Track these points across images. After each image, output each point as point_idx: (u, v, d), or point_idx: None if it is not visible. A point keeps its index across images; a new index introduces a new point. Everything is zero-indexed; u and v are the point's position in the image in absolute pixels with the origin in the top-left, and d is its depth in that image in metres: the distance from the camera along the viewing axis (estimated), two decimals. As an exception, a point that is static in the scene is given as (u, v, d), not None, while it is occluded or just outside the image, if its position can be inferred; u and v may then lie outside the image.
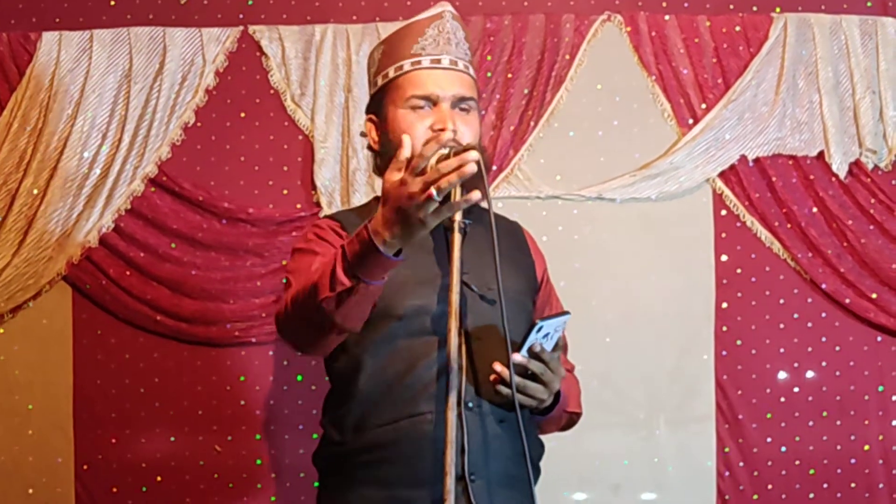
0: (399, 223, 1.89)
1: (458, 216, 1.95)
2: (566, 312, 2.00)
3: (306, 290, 2.01)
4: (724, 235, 2.94)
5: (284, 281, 2.13)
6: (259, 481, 2.99)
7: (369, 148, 2.18)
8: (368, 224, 1.92)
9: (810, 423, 2.89)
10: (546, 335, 1.95)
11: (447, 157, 1.80)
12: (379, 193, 2.12)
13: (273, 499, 2.97)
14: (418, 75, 2.09)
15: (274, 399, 2.99)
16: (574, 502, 2.89)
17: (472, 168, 1.84)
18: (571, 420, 2.29)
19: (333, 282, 1.97)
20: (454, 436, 1.89)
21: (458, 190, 1.88)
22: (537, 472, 2.26)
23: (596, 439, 2.82)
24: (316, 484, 2.10)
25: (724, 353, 2.90)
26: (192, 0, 2.90)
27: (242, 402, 2.94)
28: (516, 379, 1.94)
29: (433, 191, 1.78)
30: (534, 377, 1.94)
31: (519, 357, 1.94)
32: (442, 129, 2.03)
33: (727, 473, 2.90)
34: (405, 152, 1.88)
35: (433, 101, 2.05)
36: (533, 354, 1.93)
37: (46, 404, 2.95)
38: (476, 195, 1.86)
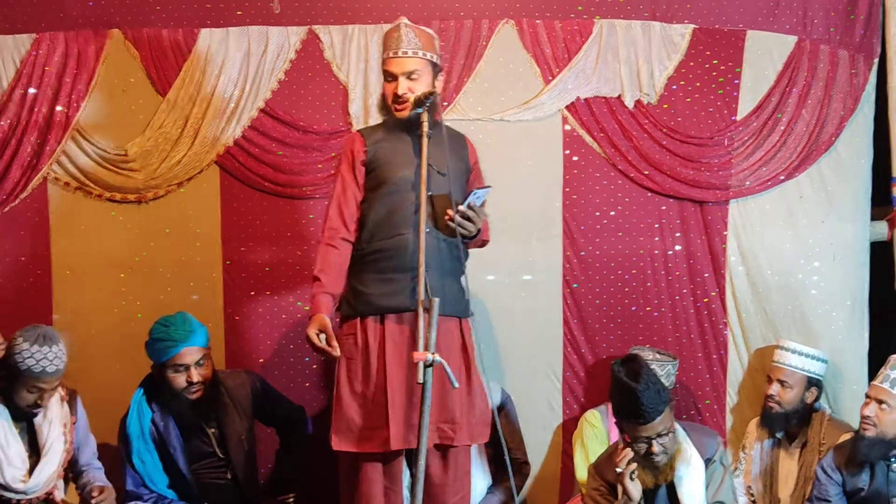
0: None
1: (425, 128, 2.93)
2: (489, 186, 3.05)
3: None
4: (567, 140, 4.13)
5: (328, 203, 3.14)
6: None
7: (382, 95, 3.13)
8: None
9: (614, 239, 4.16)
10: (477, 197, 2.95)
11: (420, 98, 2.95)
12: (381, 120, 3.17)
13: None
14: (388, 62, 3.11)
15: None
16: (486, 281, 4.06)
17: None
18: (484, 242, 3.29)
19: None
20: (423, 246, 2.85)
21: (426, 117, 2.98)
22: (463, 266, 3.23)
23: (501, 247, 3.75)
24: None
25: (567, 202, 4.13)
26: (282, 11, 4.04)
27: (312, 227, 4.08)
28: (457, 218, 2.91)
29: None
30: (468, 219, 2.91)
31: (462, 207, 2.90)
32: (397, 94, 3.03)
33: (568, 265, 4.16)
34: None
35: (395, 77, 3.08)
36: (469, 207, 2.90)
37: (206, 226, 4.11)
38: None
